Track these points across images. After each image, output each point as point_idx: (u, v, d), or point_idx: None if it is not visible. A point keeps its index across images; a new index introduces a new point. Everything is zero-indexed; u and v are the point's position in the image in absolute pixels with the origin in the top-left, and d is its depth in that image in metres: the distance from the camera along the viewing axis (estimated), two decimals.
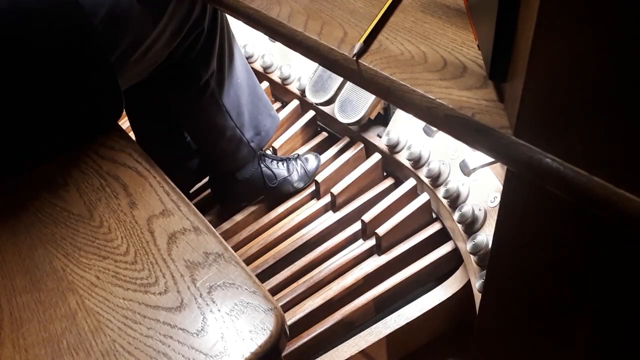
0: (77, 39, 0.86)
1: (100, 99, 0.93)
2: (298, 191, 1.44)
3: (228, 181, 1.38)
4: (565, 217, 0.50)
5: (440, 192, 1.21)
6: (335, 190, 1.37)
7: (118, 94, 0.93)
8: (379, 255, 1.28)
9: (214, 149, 1.30)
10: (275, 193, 1.43)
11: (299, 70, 1.55)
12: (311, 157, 1.46)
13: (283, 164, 1.41)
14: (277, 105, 1.65)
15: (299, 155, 1.46)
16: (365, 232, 1.31)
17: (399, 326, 1.16)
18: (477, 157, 1.14)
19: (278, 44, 1.60)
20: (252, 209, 1.44)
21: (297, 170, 1.42)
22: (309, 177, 1.44)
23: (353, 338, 1.17)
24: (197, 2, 1.05)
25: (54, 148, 0.92)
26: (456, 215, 1.15)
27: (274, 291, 1.28)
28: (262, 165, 1.39)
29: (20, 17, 0.81)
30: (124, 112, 1.31)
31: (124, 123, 1.69)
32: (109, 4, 0.89)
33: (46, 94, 0.87)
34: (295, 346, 1.18)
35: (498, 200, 1.11)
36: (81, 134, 0.93)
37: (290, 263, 1.31)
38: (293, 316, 1.21)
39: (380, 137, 1.38)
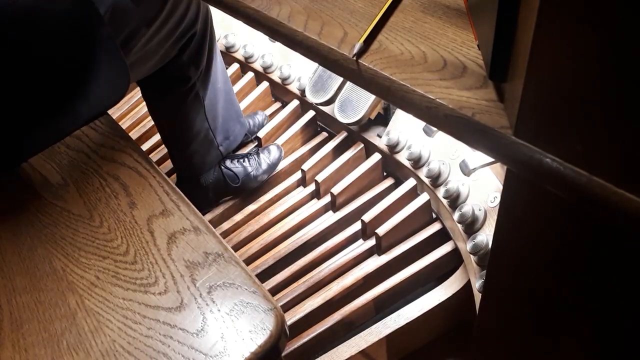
0: (87, 25, 0.86)
1: (108, 76, 0.92)
2: (263, 183, 1.47)
3: (194, 187, 1.38)
4: (565, 217, 0.50)
5: (440, 192, 1.21)
6: (335, 190, 1.37)
7: (125, 70, 0.93)
8: (379, 255, 1.28)
9: (185, 149, 1.32)
10: (241, 191, 1.45)
11: (299, 70, 1.55)
12: (273, 148, 1.47)
13: (243, 161, 1.43)
14: (277, 105, 1.65)
15: (258, 148, 1.48)
16: (365, 232, 1.31)
17: (399, 326, 1.16)
18: (477, 157, 1.14)
19: (278, 44, 1.60)
20: (252, 208, 1.44)
21: (258, 164, 1.43)
22: (272, 169, 1.46)
23: (353, 338, 1.17)
24: (193, 2, 1.06)
25: (69, 120, 0.91)
26: (456, 215, 1.15)
27: (274, 291, 1.28)
28: (222, 168, 1.40)
29: (25, 10, 0.81)
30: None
31: (124, 123, 1.69)
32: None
33: (54, 74, 0.87)
34: (295, 346, 1.18)
35: (498, 200, 1.11)
36: (92, 105, 0.92)
37: (290, 263, 1.31)
38: (293, 316, 1.21)
39: (380, 137, 1.38)
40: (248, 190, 1.45)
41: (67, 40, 0.87)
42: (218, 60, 1.26)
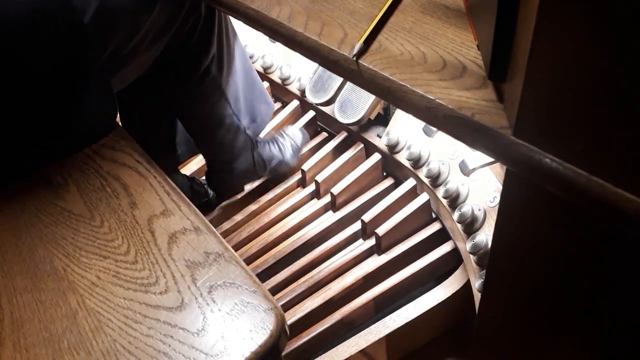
0: (68, 43, 0.85)
1: (93, 103, 0.92)
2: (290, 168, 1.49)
3: (225, 173, 1.40)
4: (565, 217, 0.50)
5: (440, 192, 1.21)
6: (335, 190, 1.37)
7: (111, 96, 0.93)
8: (379, 255, 1.28)
9: (212, 138, 1.31)
10: (272, 176, 1.47)
11: (299, 70, 1.55)
12: (297, 132, 1.48)
13: (274, 145, 1.43)
14: (277, 105, 1.65)
15: (283, 131, 1.49)
16: (365, 232, 1.31)
17: (398, 326, 1.16)
18: (477, 157, 1.15)
19: (278, 44, 1.60)
20: (252, 208, 1.44)
21: (287, 148, 1.45)
22: (299, 151, 1.49)
23: (353, 338, 1.17)
24: None
25: (51, 153, 0.91)
26: (456, 215, 1.15)
27: (274, 291, 1.28)
28: (254, 153, 1.40)
29: (11, 24, 0.80)
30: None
31: None
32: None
33: (39, 100, 0.87)
34: (295, 346, 1.18)
35: (498, 200, 1.11)
36: (77, 139, 0.92)
37: (290, 263, 1.31)
38: (293, 316, 1.21)
39: (380, 137, 1.38)
40: (279, 174, 1.48)
41: (50, 72, 0.85)
42: (234, 39, 1.24)
